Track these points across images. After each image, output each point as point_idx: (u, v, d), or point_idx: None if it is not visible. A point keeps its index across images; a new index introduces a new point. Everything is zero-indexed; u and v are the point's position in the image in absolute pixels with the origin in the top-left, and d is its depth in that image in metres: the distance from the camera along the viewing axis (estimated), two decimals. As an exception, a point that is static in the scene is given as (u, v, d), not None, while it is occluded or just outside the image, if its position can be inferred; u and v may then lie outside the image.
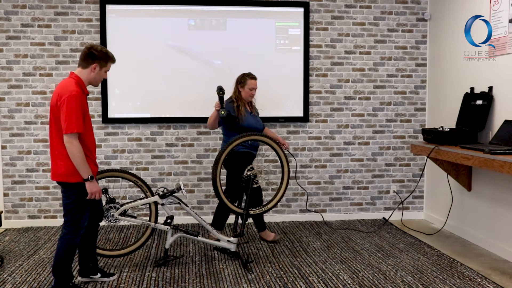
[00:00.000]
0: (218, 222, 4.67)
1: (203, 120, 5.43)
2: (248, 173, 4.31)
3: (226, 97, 4.42)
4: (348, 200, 5.68)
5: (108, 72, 3.47)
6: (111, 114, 5.33)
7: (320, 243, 4.69)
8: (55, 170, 3.31)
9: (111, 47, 5.26)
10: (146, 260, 4.22)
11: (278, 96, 5.48)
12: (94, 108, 5.33)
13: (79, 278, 3.69)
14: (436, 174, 5.30)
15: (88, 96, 5.28)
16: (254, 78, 4.59)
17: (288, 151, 4.79)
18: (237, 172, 4.42)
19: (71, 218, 3.32)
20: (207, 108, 5.42)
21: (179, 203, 4.17)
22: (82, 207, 3.34)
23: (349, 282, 3.69)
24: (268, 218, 5.43)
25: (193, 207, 5.47)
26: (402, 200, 5.62)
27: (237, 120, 4.49)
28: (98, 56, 3.32)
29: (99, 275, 3.71)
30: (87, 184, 3.25)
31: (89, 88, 5.29)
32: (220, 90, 4.29)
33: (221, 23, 5.41)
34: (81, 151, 3.20)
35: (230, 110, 4.48)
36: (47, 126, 5.28)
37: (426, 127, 5.65)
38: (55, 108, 3.24)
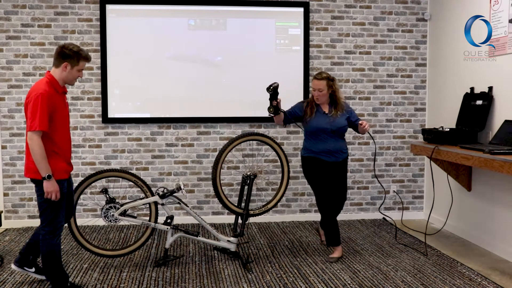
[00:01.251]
0: (334, 237, 4.26)
1: (203, 120, 5.44)
2: (248, 173, 4.31)
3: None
4: (348, 200, 5.67)
5: (83, 71, 3.43)
6: (111, 114, 5.33)
7: (320, 243, 4.69)
8: (27, 167, 3.31)
9: (111, 47, 5.26)
10: (146, 260, 4.22)
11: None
12: (94, 108, 5.34)
13: (12, 266, 3.66)
14: (436, 174, 5.30)
15: (88, 96, 5.33)
16: (317, 78, 4.16)
17: (368, 132, 4.32)
18: (307, 179, 4.28)
19: (46, 218, 3.32)
20: (207, 108, 5.44)
21: (179, 203, 4.17)
22: (56, 206, 3.31)
23: (349, 282, 3.69)
24: (268, 218, 5.43)
25: (193, 207, 5.47)
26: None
27: (303, 121, 4.25)
28: (68, 55, 3.29)
29: (33, 269, 3.67)
30: (44, 183, 3.20)
31: (89, 88, 5.31)
32: (267, 88, 4.06)
33: (221, 23, 5.41)
34: (42, 149, 3.17)
35: (297, 109, 4.25)
36: (47, 126, 5.28)
37: (426, 127, 5.65)
38: (26, 106, 3.27)
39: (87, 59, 3.40)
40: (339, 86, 5.54)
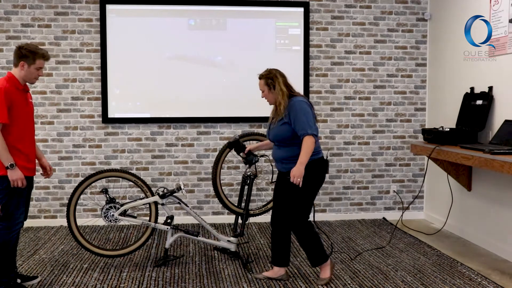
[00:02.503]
0: (281, 256, 3.70)
1: (203, 120, 5.44)
2: (248, 173, 4.30)
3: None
4: (348, 200, 5.68)
5: (41, 69, 3.52)
6: (111, 114, 5.33)
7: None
8: None
9: (111, 47, 5.27)
10: (146, 260, 4.22)
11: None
12: (94, 108, 5.34)
13: None
14: (436, 174, 5.30)
15: (88, 96, 5.33)
16: (259, 77, 3.72)
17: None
18: None
19: (5, 213, 3.35)
20: (207, 108, 5.44)
21: (179, 203, 4.17)
22: (15, 201, 3.38)
23: (349, 282, 3.69)
24: (268, 218, 5.39)
25: (193, 207, 5.47)
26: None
27: None
28: (24, 55, 3.42)
29: (19, 280, 3.61)
30: (9, 172, 3.29)
31: (89, 88, 5.32)
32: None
33: (221, 23, 5.41)
34: (2, 140, 3.27)
35: None
36: (47, 126, 5.29)
37: (426, 127, 5.65)
38: None
39: (44, 57, 3.49)
40: (339, 86, 5.58)
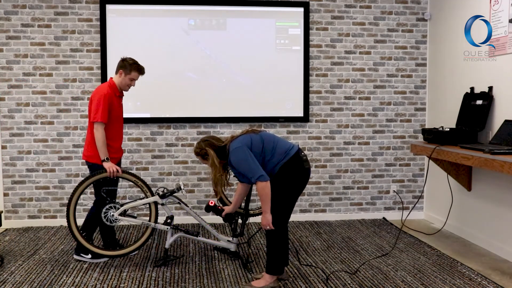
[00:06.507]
0: (276, 264, 3.58)
1: (203, 120, 5.44)
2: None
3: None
4: (348, 200, 5.68)
5: (135, 81, 4.19)
6: (111, 114, 5.33)
7: (320, 243, 4.69)
8: (87, 153, 4.08)
9: (111, 47, 5.27)
10: (146, 260, 4.22)
11: (278, 96, 5.49)
12: (94, 108, 5.33)
13: (74, 256, 4.18)
14: (436, 174, 5.30)
15: (87, 96, 5.36)
16: (195, 155, 3.80)
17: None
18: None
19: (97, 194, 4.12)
20: (207, 108, 5.44)
21: (179, 203, 4.17)
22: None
23: (349, 282, 3.69)
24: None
25: (193, 207, 5.47)
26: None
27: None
28: (123, 65, 4.12)
29: (89, 255, 4.14)
30: (104, 164, 3.95)
31: (89, 88, 5.35)
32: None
33: (221, 23, 5.41)
34: (104, 137, 3.95)
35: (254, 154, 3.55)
36: (47, 126, 5.29)
37: (426, 127, 5.65)
38: (90, 102, 4.05)
39: (140, 70, 4.17)
40: (339, 86, 5.58)
